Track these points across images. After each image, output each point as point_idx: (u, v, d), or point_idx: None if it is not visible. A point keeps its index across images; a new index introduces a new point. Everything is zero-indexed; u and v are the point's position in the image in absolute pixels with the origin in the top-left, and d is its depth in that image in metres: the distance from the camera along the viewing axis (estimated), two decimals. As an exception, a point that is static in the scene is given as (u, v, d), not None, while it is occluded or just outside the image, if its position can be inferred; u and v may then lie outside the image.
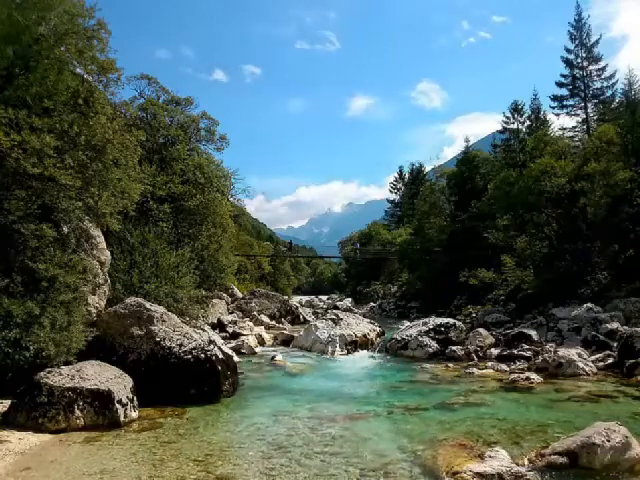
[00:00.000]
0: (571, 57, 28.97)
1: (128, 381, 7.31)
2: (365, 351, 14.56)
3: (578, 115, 29.52)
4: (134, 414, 7.05)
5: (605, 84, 28.60)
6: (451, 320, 15.16)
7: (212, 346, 8.84)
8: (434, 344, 13.58)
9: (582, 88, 28.75)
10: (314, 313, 27.79)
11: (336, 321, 15.54)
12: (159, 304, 10.38)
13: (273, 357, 12.96)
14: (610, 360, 10.96)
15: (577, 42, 28.69)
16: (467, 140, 30.34)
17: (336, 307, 32.40)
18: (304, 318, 24.80)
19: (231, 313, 22.53)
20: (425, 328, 14.27)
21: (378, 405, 8.22)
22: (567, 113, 29.66)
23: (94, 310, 9.21)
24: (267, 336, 17.44)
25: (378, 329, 16.19)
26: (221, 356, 8.78)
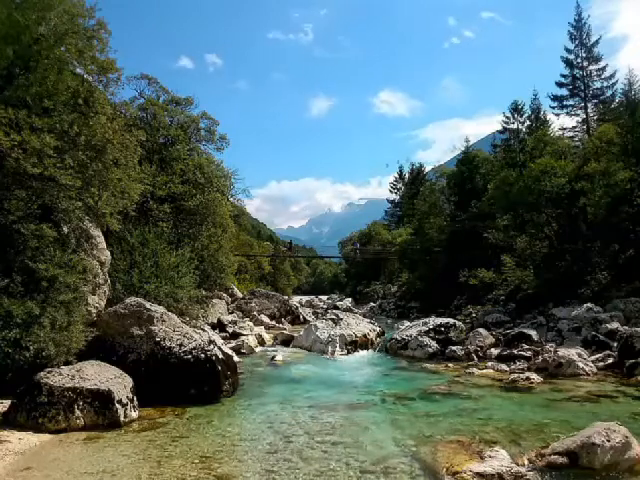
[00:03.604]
0: (571, 57, 29.00)
1: (128, 381, 7.31)
2: (365, 351, 14.56)
3: (578, 115, 29.56)
4: (134, 414, 7.06)
5: (605, 84, 28.65)
6: (451, 320, 15.15)
7: (212, 346, 8.84)
8: (434, 344, 13.58)
9: (582, 88, 28.77)
10: (314, 313, 27.77)
11: (336, 321, 15.53)
12: (159, 304, 10.38)
13: (273, 357, 12.97)
14: (610, 360, 10.96)
15: (577, 42, 28.71)
16: (467, 140, 30.34)
17: (336, 307, 32.39)
18: (304, 318, 24.79)
19: (231, 313, 22.53)
20: (425, 328, 14.28)
21: (377, 406, 8.23)
22: (567, 113, 29.71)
23: (94, 310, 9.21)
24: (267, 336, 17.43)
25: (378, 329, 16.19)
26: (221, 356, 8.78)
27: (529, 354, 12.00)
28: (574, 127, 29.77)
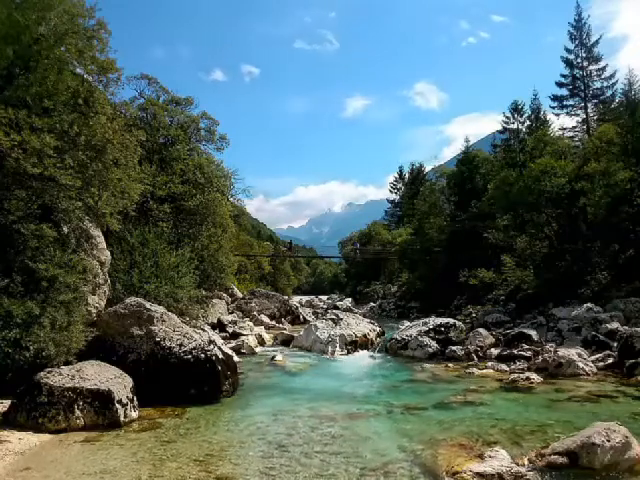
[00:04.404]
0: (571, 57, 29.00)
1: (128, 381, 7.31)
2: (365, 351, 14.55)
3: (578, 115, 29.55)
4: (134, 414, 7.05)
5: (605, 84, 28.64)
6: (451, 320, 15.15)
7: (212, 346, 8.84)
8: (434, 344, 13.58)
9: (582, 88, 28.76)
10: (314, 313, 27.78)
11: (336, 321, 15.53)
12: (159, 304, 10.38)
13: (273, 357, 12.96)
14: (610, 360, 10.96)
15: (577, 42, 28.70)
16: (467, 140, 30.34)
17: (336, 307, 32.40)
18: (304, 318, 24.79)
19: (231, 313, 22.53)
20: (425, 328, 14.27)
21: (378, 405, 8.22)
22: (567, 113, 29.70)
23: (94, 310, 9.21)
24: (267, 336, 17.43)
25: (378, 329, 16.19)
26: (221, 356, 8.78)
27: (529, 354, 12.00)
28: (574, 127, 29.78)
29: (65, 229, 8.57)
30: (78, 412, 6.53)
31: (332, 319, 15.78)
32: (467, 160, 28.70)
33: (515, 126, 25.11)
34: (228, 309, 23.06)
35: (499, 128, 27.50)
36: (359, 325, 15.68)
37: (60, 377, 6.70)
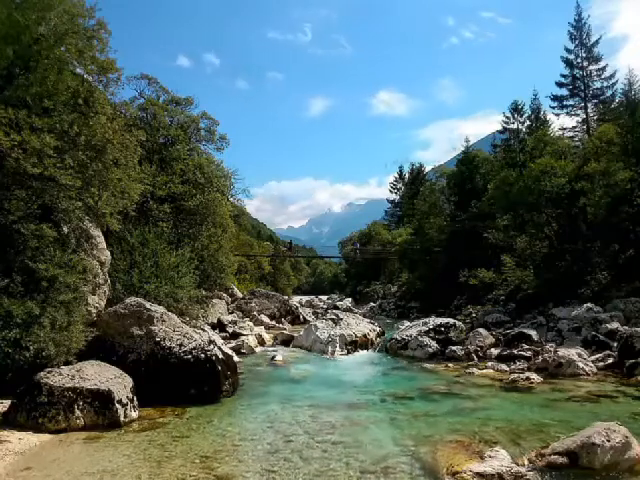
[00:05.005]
0: (571, 57, 29.02)
1: (128, 381, 7.31)
2: (365, 351, 14.56)
3: (578, 115, 29.58)
4: (134, 414, 7.06)
5: (605, 84, 28.67)
6: (451, 320, 15.15)
7: (212, 346, 8.84)
8: (434, 344, 13.58)
9: (582, 88, 28.79)
10: (314, 313, 27.77)
11: (336, 321, 15.53)
12: (159, 304, 10.38)
13: (273, 357, 12.97)
14: (610, 360, 10.96)
15: (577, 42, 28.73)
16: (467, 140, 30.33)
17: (336, 307, 32.38)
18: (304, 318, 24.79)
19: (231, 313, 22.52)
20: (425, 328, 14.27)
21: (379, 411, 8.20)
22: (567, 113, 29.73)
23: (94, 310, 9.21)
24: (267, 336, 17.43)
25: (378, 329, 16.19)
26: (221, 356, 8.78)
27: (529, 354, 12.00)
28: (574, 127, 29.80)
29: (65, 229, 8.58)
30: (78, 412, 6.53)
31: (332, 319, 15.78)
32: (467, 160, 28.69)
33: (515, 126, 25.12)
34: (228, 309, 23.06)
35: (499, 128, 27.56)
36: (359, 325, 15.68)
37: (60, 377, 6.70)
